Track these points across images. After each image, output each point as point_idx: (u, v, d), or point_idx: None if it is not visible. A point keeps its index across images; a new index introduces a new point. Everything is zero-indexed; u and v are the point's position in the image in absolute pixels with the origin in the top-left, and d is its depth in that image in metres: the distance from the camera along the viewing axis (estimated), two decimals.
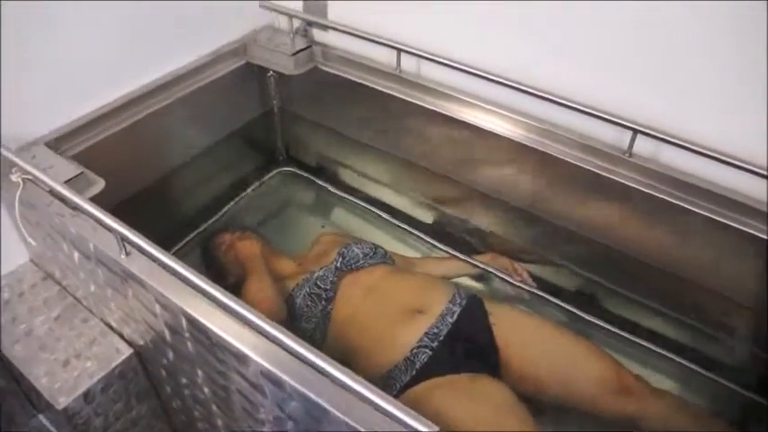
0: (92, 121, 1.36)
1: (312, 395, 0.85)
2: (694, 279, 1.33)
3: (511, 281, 1.55)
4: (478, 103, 1.42)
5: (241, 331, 0.92)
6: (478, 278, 1.64)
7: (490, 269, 1.57)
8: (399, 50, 1.47)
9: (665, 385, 1.38)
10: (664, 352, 1.45)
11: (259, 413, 1.00)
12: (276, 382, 0.89)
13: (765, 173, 1.12)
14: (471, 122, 1.44)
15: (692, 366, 1.42)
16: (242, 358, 0.92)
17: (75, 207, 1.08)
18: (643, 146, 1.26)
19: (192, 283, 0.92)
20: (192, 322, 0.97)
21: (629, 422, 1.24)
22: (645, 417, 1.23)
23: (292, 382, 0.87)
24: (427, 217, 1.77)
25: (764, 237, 1.18)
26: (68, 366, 1.21)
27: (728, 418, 1.31)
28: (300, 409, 0.89)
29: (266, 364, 0.89)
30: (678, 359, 1.44)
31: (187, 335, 1.02)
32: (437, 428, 0.74)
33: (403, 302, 1.34)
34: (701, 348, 1.43)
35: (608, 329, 1.49)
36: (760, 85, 1.09)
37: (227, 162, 1.81)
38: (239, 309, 0.88)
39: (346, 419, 0.81)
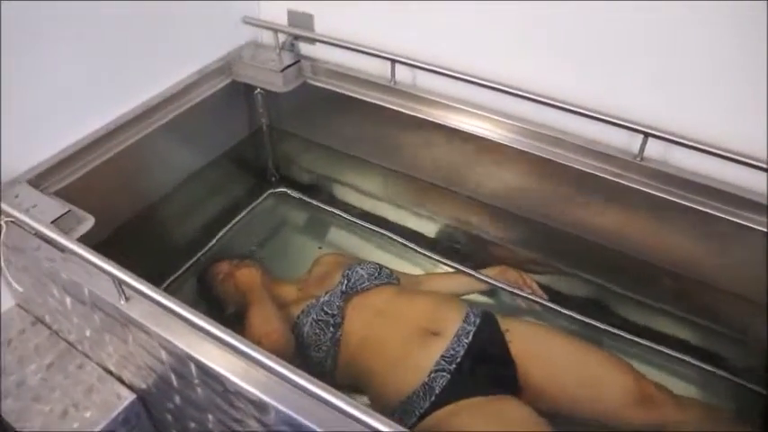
0: (75, 154, 1.28)
1: None
2: (711, 281, 1.30)
3: (522, 294, 1.50)
4: (480, 113, 1.37)
5: (257, 377, 0.86)
6: (489, 293, 1.59)
7: (499, 284, 1.52)
8: (393, 61, 1.41)
9: (684, 389, 1.35)
10: (681, 356, 1.41)
11: None
12: (300, 429, 0.83)
13: None
14: (472, 132, 1.39)
15: (712, 369, 1.39)
16: (261, 405, 0.86)
17: (66, 250, 1.00)
18: (653, 149, 1.22)
19: (200, 327, 0.85)
20: (203, 368, 0.90)
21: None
22: (670, 426, 1.20)
23: (318, 429, 0.81)
24: (429, 231, 1.72)
25: None
26: (67, 418, 1.14)
27: (752, 419, 1.28)
28: None
29: (288, 411, 0.83)
30: (696, 362, 1.40)
31: (197, 381, 0.96)
32: None
33: (415, 325, 1.29)
34: (722, 351, 1.40)
35: (624, 337, 1.45)
36: (761, 83, 1.06)
37: (218, 186, 1.74)
38: (255, 353, 0.81)
39: None
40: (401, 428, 0.74)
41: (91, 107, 1.31)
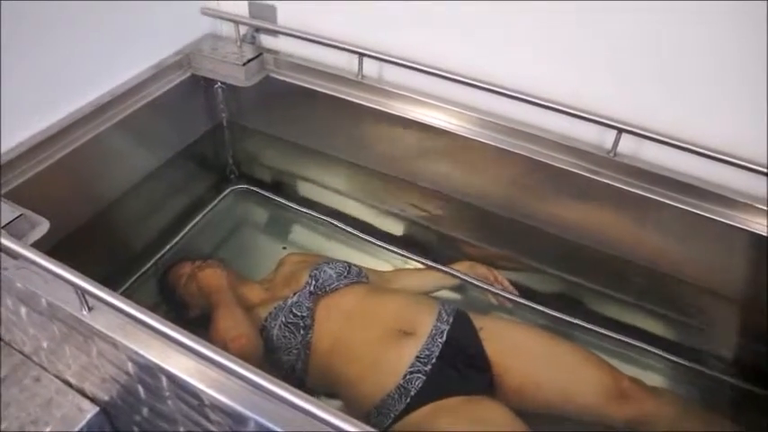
0: (26, 153, 1.21)
1: None
2: (682, 275, 1.31)
3: (492, 290, 1.49)
4: (450, 108, 1.36)
5: (234, 388, 0.82)
6: (457, 288, 1.58)
7: (469, 279, 1.51)
8: (361, 55, 1.38)
9: (656, 383, 1.36)
10: (653, 349, 1.43)
11: None
12: None
13: (765, 169, 1.10)
14: (442, 127, 1.37)
15: (684, 362, 1.41)
16: (239, 418, 0.82)
17: (20, 257, 0.94)
18: (627, 145, 1.22)
19: (173, 338, 0.80)
20: (175, 381, 0.86)
21: (630, 427, 1.22)
22: (645, 420, 1.21)
23: None
24: (397, 228, 1.69)
25: (761, 232, 1.18)
26: None
27: (720, 409, 1.31)
28: None
29: (268, 423, 0.79)
30: (668, 356, 1.42)
31: (167, 393, 0.91)
32: None
33: (387, 325, 1.26)
34: (693, 344, 1.42)
35: (596, 332, 1.46)
36: (760, 82, 1.06)
37: (177, 185, 1.67)
38: (232, 365, 0.77)
39: None
40: None
41: (41, 104, 1.24)
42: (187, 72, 1.52)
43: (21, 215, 1.04)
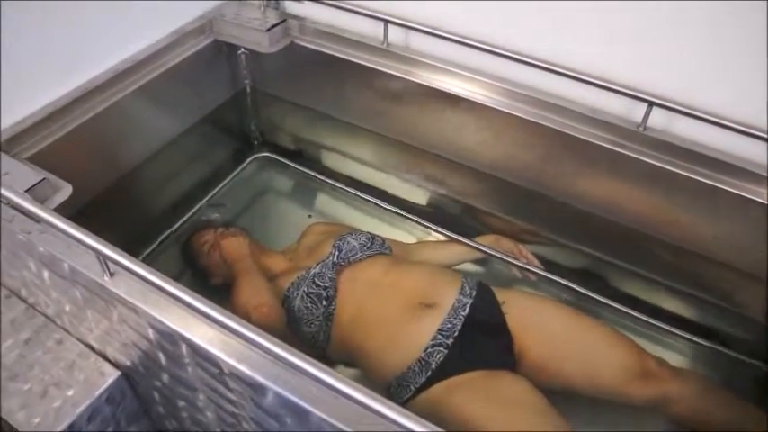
0: (47, 117, 1.20)
1: (343, 426, 0.75)
2: (710, 254, 1.27)
3: (517, 263, 1.47)
4: (476, 77, 1.32)
5: (254, 358, 0.81)
6: (481, 262, 1.56)
7: (494, 253, 1.48)
8: (387, 22, 1.34)
9: (681, 364, 1.34)
10: (677, 330, 1.41)
11: None
12: (299, 414, 0.79)
13: None
14: (468, 97, 1.34)
15: (708, 343, 1.38)
16: (258, 388, 0.81)
17: (42, 221, 0.93)
18: (657, 119, 1.18)
19: (193, 306, 0.80)
20: (195, 349, 0.85)
21: (652, 407, 1.20)
22: (668, 400, 1.19)
23: (319, 413, 0.77)
24: (421, 199, 1.67)
25: None
26: (47, 397, 1.08)
27: (745, 393, 1.28)
28: None
29: (287, 394, 0.79)
30: (692, 336, 1.40)
31: (188, 360, 0.91)
32: None
33: (410, 297, 1.25)
34: (718, 325, 1.39)
35: (621, 310, 1.43)
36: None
37: (200, 151, 1.66)
38: (253, 335, 0.76)
39: None
40: (407, 412, 0.70)
41: (62, 70, 1.23)
42: (209, 38, 1.50)
43: (44, 179, 1.04)
